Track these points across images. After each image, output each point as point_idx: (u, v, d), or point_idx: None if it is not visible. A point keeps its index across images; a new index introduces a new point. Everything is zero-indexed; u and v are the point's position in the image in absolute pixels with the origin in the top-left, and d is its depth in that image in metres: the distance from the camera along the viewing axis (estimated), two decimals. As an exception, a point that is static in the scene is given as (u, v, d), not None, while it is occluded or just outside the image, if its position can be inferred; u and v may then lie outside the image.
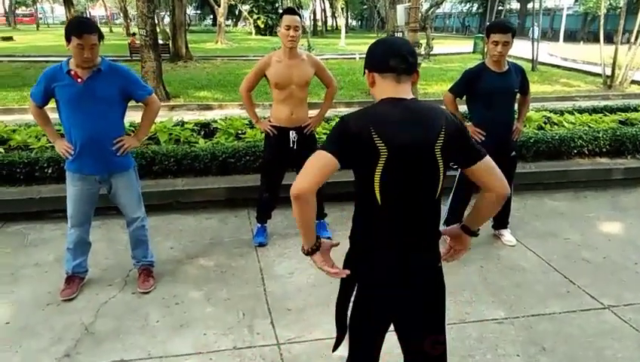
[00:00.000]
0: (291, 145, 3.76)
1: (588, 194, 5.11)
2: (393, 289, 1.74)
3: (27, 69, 15.84)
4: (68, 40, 2.83)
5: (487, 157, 1.69)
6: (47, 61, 17.74)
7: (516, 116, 3.96)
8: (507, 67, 3.68)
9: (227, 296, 3.27)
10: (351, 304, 1.80)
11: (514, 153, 3.90)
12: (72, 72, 2.91)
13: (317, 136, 4.17)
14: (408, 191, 1.65)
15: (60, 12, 68.12)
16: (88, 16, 54.85)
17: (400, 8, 6.31)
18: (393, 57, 1.64)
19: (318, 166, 1.58)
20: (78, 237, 3.24)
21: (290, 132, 3.74)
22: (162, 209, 4.50)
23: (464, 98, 3.81)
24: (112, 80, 3.00)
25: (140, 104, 3.23)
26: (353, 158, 1.62)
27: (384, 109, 1.64)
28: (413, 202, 1.67)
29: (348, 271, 1.75)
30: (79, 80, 2.92)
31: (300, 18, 3.64)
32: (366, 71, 1.72)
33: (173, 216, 4.46)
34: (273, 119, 3.80)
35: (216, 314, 3.08)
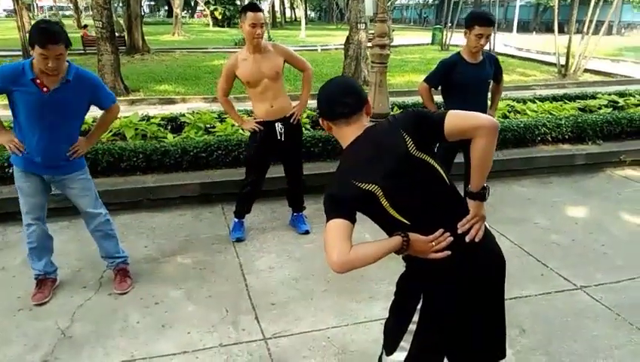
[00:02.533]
0: (279, 138, 3.73)
1: (553, 179, 5.29)
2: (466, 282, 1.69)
3: (-27, 64, 15.01)
4: (31, 46, 2.63)
5: (450, 111, 1.67)
6: (-6, 55, 16.94)
7: (489, 104, 4.05)
8: (482, 57, 3.75)
9: (208, 294, 3.21)
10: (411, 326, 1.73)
11: None
12: (38, 81, 2.71)
13: (302, 125, 4.15)
14: (423, 198, 1.64)
15: (7, 4, 64.94)
16: (36, 7, 52.39)
17: (368, -1, 6.36)
18: (338, 105, 1.70)
19: (337, 235, 1.57)
20: (39, 231, 3.09)
21: (276, 124, 3.71)
22: (132, 207, 4.37)
23: (439, 89, 3.86)
24: (80, 91, 2.86)
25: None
26: (358, 209, 1.65)
27: (351, 158, 1.71)
28: (434, 202, 1.66)
29: None
30: (45, 89, 2.73)
31: (262, 13, 3.61)
32: (321, 119, 1.79)
33: (144, 213, 4.34)
34: (256, 115, 3.76)
35: (199, 312, 3.02)
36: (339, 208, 1.62)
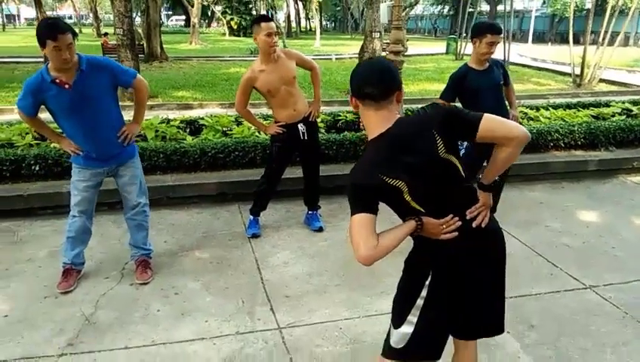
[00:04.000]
0: (302, 138, 3.90)
1: (565, 185, 5.33)
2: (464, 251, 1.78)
3: (-3, 70, 15.45)
4: (43, 45, 2.77)
5: (487, 115, 1.71)
6: (17, 62, 17.40)
7: (508, 106, 4.16)
8: (488, 64, 3.87)
9: (225, 286, 3.33)
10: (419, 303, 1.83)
11: None
12: (57, 80, 2.88)
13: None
14: (442, 191, 1.73)
15: (28, 13, 66.52)
16: (56, 15, 53.65)
17: (383, 6, 6.46)
18: (367, 85, 1.69)
19: (364, 230, 1.62)
20: (82, 223, 3.24)
21: (299, 125, 3.88)
22: (153, 205, 4.41)
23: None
24: (97, 75, 3.00)
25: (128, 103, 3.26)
26: (380, 199, 1.69)
27: (381, 151, 1.70)
28: (451, 195, 1.75)
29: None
30: (66, 86, 2.90)
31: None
32: (349, 95, 1.78)
33: (164, 211, 4.48)
34: (279, 119, 3.90)
35: (216, 302, 3.14)
36: (363, 201, 1.66)
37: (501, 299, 1.93)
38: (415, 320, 1.82)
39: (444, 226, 1.72)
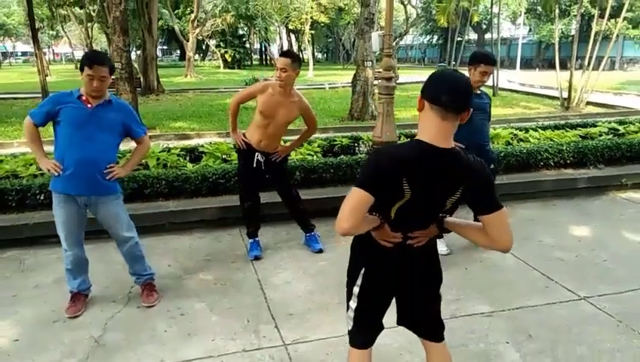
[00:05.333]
0: (255, 165, 3.99)
1: (556, 202, 5.48)
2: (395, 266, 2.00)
3: (-5, 106, 15.63)
4: (81, 70, 3.05)
5: (504, 211, 1.76)
6: (14, 98, 17.61)
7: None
8: (479, 91, 4.09)
9: (230, 306, 3.41)
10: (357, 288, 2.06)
11: (492, 166, 4.24)
12: (83, 98, 3.10)
13: (314, 153, 4.43)
14: (420, 217, 1.89)
15: (23, 49, 67.32)
16: (51, 53, 54.29)
17: (374, 35, 6.73)
18: (447, 94, 1.70)
19: (356, 205, 1.71)
20: (75, 256, 3.31)
21: (256, 153, 3.98)
22: (155, 230, 4.61)
23: None
24: (118, 113, 3.23)
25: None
26: (382, 193, 1.75)
27: (418, 155, 1.73)
28: (422, 222, 1.92)
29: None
30: (89, 105, 3.11)
31: (294, 60, 3.85)
32: (420, 95, 1.78)
33: (166, 236, 4.57)
34: (246, 135, 4.04)
35: (222, 322, 3.21)
36: (375, 183, 1.71)
37: (431, 304, 2.14)
38: (354, 306, 2.06)
39: (390, 238, 1.91)
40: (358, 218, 1.71)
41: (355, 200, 1.71)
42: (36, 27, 13.85)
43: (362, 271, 2.01)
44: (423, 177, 1.74)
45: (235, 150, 4.16)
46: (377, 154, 1.82)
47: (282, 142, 4.25)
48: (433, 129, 1.74)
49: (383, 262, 1.98)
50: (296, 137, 4.31)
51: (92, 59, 3.06)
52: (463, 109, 1.73)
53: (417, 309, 2.15)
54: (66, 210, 3.20)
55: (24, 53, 66.41)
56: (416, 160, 1.73)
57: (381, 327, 2.16)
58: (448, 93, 1.70)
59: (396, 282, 2.03)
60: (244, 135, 4.05)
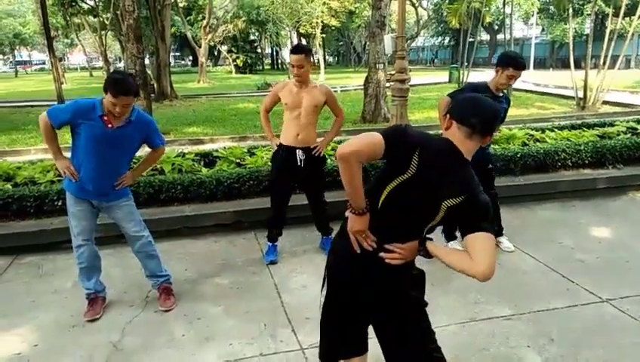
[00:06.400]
0: (299, 163, 3.96)
1: (576, 203, 5.39)
2: (354, 281, 2.01)
3: (12, 114, 15.88)
4: (105, 91, 2.99)
5: (488, 235, 1.73)
6: (31, 106, 17.88)
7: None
8: (501, 93, 4.01)
9: (246, 310, 3.40)
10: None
11: (490, 166, 4.19)
12: (105, 118, 3.06)
13: (327, 156, 4.41)
14: (404, 214, 1.86)
15: (39, 58, 68.43)
16: (65, 61, 55.07)
17: (387, 38, 6.70)
18: (476, 117, 1.79)
19: (368, 140, 1.75)
20: (89, 251, 3.35)
21: (297, 151, 3.95)
22: (171, 235, 4.63)
23: None
24: (138, 130, 3.23)
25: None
26: (390, 155, 1.79)
27: (440, 145, 1.83)
28: (404, 225, 1.89)
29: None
30: (109, 125, 3.08)
31: (307, 54, 3.87)
32: (448, 115, 1.85)
33: (182, 241, 4.58)
34: (282, 140, 4.02)
35: (239, 326, 3.20)
36: (393, 137, 1.78)
37: (404, 347, 2.01)
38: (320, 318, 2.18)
39: (362, 236, 1.89)
40: (362, 151, 1.73)
41: (370, 137, 1.76)
42: (51, 36, 14.04)
43: (325, 277, 2.09)
44: (432, 161, 1.78)
45: (273, 156, 4.12)
46: (408, 125, 1.91)
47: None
48: (459, 142, 1.82)
49: (343, 267, 2.00)
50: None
51: (118, 90, 2.93)
52: (488, 134, 1.84)
53: (389, 350, 2.05)
54: (80, 206, 3.28)
55: (42, 62, 67.49)
56: (436, 148, 1.83)
57: (353, 348, 2.17)
58: (478, 117, 1.79)
59: (356, 299, 2.01)
60: (281, 143, 4.04)
